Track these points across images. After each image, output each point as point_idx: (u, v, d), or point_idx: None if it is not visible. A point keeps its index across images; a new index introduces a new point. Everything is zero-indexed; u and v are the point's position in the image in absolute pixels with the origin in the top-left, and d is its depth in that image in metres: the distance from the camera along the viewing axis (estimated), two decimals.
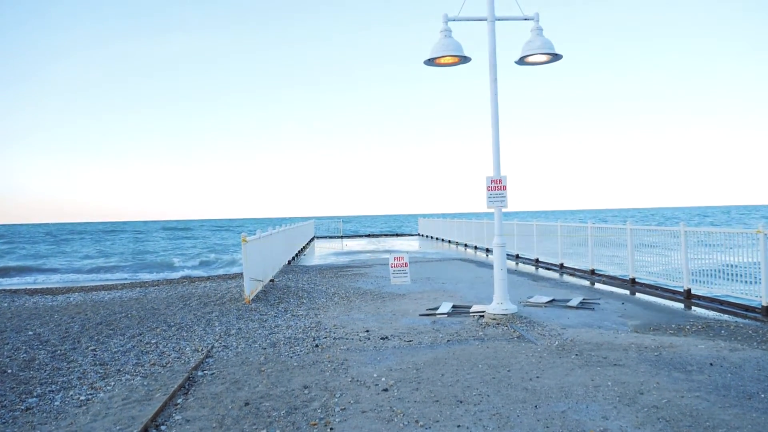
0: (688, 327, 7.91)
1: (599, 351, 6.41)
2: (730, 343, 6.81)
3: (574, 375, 5.47)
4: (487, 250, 23.54)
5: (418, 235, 43.30)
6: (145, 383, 5.77)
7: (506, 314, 8.31)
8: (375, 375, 5.75)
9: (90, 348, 7.46)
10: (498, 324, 8.16)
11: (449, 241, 31.06)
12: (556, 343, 6.88)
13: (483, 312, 8.83)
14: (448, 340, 7.30)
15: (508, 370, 5.72)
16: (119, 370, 6.36)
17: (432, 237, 36.83)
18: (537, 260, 18.23)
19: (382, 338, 7.58)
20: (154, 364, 6.54)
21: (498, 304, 8.42)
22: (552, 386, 5.14)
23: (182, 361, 6.65)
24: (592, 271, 14.59)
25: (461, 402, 4.82)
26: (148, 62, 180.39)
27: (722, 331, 7.57)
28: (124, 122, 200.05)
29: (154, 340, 7.81)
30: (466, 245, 27.32)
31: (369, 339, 7.57)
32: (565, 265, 16.32)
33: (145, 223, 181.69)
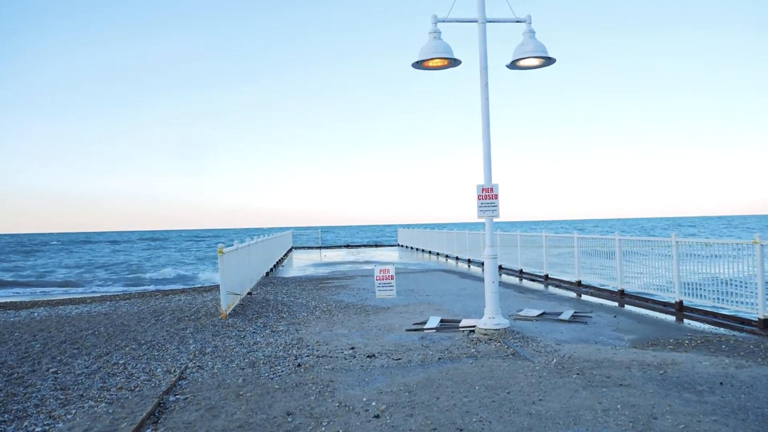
0: (686, 342, 7.60)
1: (601, 369, 6.03)
2: (734, 359, 6.50)
3: (580, 397, 5.07)
4: (469, 261, 23.23)
5: (398, 245, 42.89)
6: (111, 410, 5.23)
7: (498, 329, 7.92)
8: (364, 399, 5.29)
9: (51, 370, 6.86)
10: (490, 340, 7.75)
11: (429, 252, 30.71)
12: (554, 360, 6.49)
13: (473, 326, 8.42)
14: (440, 358, 6.87)
15: (508, 392, 5.30)
16: (82, 395, 5.79)
17: (412, 247, 36.45)
18: (521, 271, 17.93)
19: (368, 356, 7.12)
20: (121, 388, 5.99)
21: (489, 319, 8.02)
22: (558, 410, 4.74)
23: (152, 384, 6.11)
24: (579, 283, 14.31)
25: (461, 430, 4.39)
26: (127, 68, 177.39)
27: (723, 346, 7.27)
28: (97, 129, 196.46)
29: (123, 361, 7.24)
30: (447, 256, 26.98)
31: (355, 357, 7.10)
32: (550, 276, 16.03)
33: (121, 233, 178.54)
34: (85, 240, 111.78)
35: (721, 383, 5.43)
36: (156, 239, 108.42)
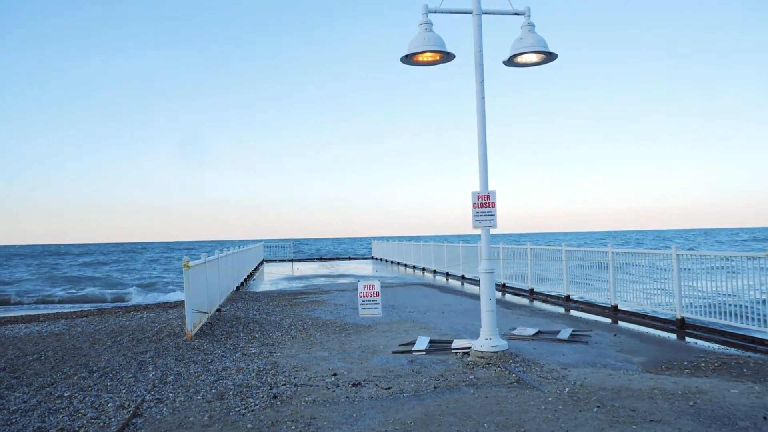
0: (703, 365, 6.93)
1: (621, 400, 5.30)
2: (764, 386, 5.83)
3: None
4: (447, 275, 22.51)
5: (372, 258, 41.98)
6: None
7: (496, 352, 7.15)
8: None
9: None
10: (488, 364, 6.97)
11: (405, 265, 29.92)
12: (567, 389, 5.73)
13: (467, 348, 7.64)
14: (435, 387, 6.05)
15: None
16: None
17: (386, 260, 35.60)
18: (504, 285, 17.24)
19: (354, 384, 6.27)
20: (62, 430, 5.03)
21: (486, 340, 7.25)
22: None
23: (101, 423, 5.17)
24: (567, 297, 13.66)
25: None
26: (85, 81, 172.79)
27: (744, 370, 6.61)
28: (56, 137, 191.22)
29: (68, 393, 6.24)
30: (424, 269, 26.21)
31: (338, 386, 6.24)
32: (535, 290, 15.37)
33: (87, 245, 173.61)
34: (54, 251, 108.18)
35: (764, 417, 4.74)
36: (121, 251, 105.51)
